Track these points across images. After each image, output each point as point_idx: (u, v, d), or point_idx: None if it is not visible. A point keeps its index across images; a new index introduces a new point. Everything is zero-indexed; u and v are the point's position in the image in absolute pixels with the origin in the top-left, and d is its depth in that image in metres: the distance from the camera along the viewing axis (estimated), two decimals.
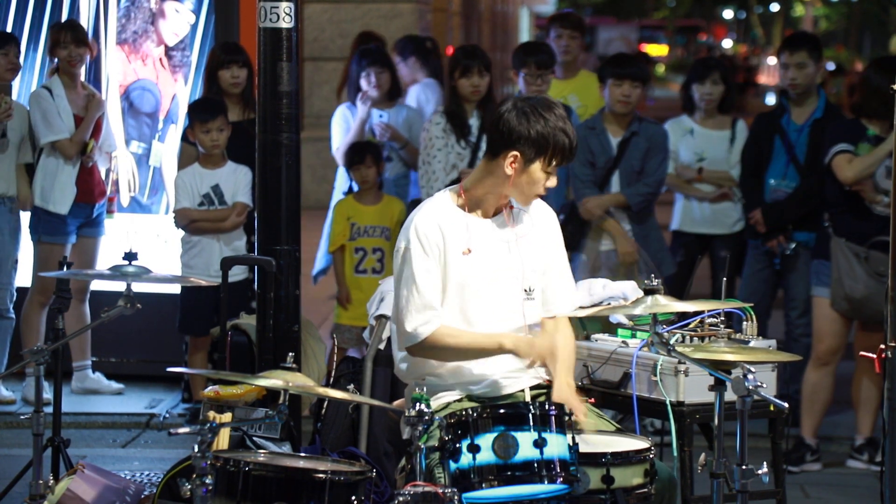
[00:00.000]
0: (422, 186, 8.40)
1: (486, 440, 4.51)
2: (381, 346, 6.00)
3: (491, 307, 5.03)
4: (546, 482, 4.51)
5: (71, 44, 8.48)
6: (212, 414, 5.49)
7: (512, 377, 5.08)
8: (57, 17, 9.10)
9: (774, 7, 62.63)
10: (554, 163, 4.95)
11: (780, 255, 8.44)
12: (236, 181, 8.23)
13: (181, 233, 8.41)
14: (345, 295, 8.53)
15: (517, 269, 5.05)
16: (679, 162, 8.82)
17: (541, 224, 5.15)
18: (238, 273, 7.80)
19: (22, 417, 8.15)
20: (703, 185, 8.83)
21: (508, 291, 5.04)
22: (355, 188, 8.63)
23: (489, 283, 5.02)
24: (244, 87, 8.44)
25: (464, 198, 5.06)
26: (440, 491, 4.29)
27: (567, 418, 4.60)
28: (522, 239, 5.07)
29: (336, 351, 7.27)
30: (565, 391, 4.97)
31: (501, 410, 4.59)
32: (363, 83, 8.89)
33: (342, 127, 8.99)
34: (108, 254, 8.73)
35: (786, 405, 4.90)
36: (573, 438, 4.57)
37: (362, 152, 8.61)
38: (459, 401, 5.03)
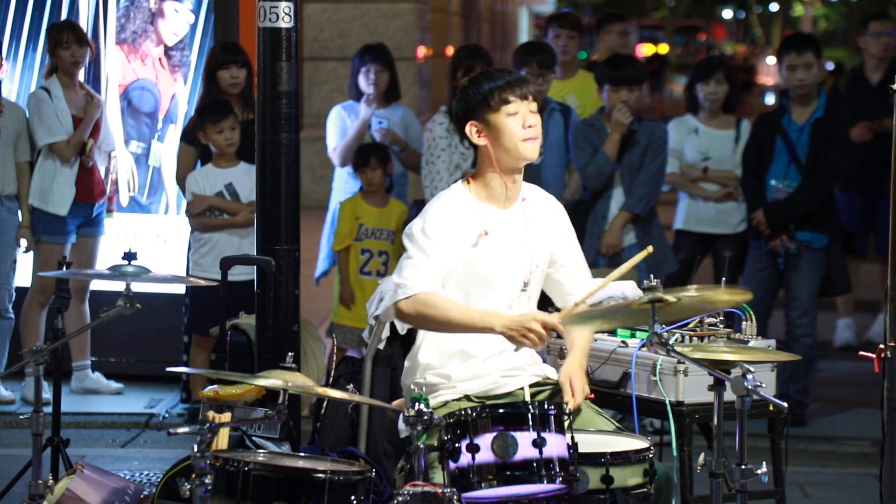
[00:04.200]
0: (425, 187, 8.39)
1: (485, 440, 4.51)
2: (381, 346, 5.99)
3: (491, 294, 5.03)
4: (545, 482, 4.51)
5: (73, 43, 8.47)
6: (211, 414, 5.49)
7: (511, 375, 5.09)
8: (56, 17, 9.10)
9: (774, 7, 62.64)
10: (503, 101, 4.95)
11: (783, 255, 8.44)
12: (251, 180, 8.19)
13: (184, 232, 8.40)
14: (349, 295, 8.52)
15: (523, 262, 5.06)
16: (684, 161, 8.83)
17: (546, 220, 5.15)
18: (248, 272, 7.77)
19: (21, 417, 8.15)
20: (707, 184, 8.83)
21: (510, 282, 5.06)
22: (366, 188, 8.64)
23: (495, 271, 5.02)
24: (243, 87, 8.44)
25: (473, 187, 5.08)
26: (439, 491, 4.29)
27: (567, 417, 4.60)
28: (533, 226, 5.08)
29: (335, 351, 7.27)
30: (574, 370, 5.00)
31: (500, 410, 4.59)
32: (361, 80, 8.89)
33: (338, 127, 8.98)
34: (107, 254, 8.73)
35: (785, 405, 4.90)
36: (572, 438, 4.57)
37: (367, 155, 8.60)
38: (458, 400, 5.04)
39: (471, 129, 5.02)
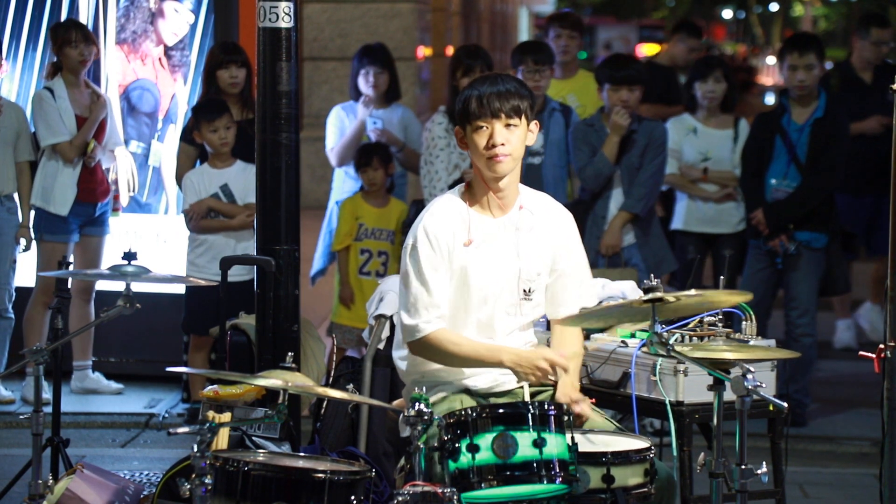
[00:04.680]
0: (424, 187, 8.39)
1: (485, 440, 4.51)
2: (381, 346, 6.00)
3: (489, 303, 5.03)
4: (545, 482, 4.51)
5: (82, 42, 8.46)
6: (211, 414, 5.49)
7: (511, 373, 5.08)
8: (56, 17, 9.09)
9: (774, 7, 62.62)
10: (473, 115, 4.93)
11: (782, 255, 8.44)
12: (247, 180, 8.19)
13: (184, 232, 8.40)
14: (348, 295, 8.52)
15: (515, 271, 5.05)
16: (683, 161, 8.82)
17: (549, 226, 5.12)
18: (243, 273, 7.79)
19: (21, 417, 8.09)
20: (707, 185, 8.83)
21: (507, 290, 5.05)
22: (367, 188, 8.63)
23: (488, 278, 5.02)
24: (243, 87, 8.44)
25: (467, 194, 5.08)
26: (439, 490, 4.29)
27: (567, 418, 4.60)
28: (528, 235, 5.06)
29: (335, 351, 7.27)
30: (569, 390, 4.99)
31: (501, 410, 4.59)
32: (361, 82, 8.88)
33: (337, 127, 8.98)
34: (108, 254, 8.73)
35: (785, 405, 4.89)
36: (572, 438, 4.57)
37: (369, 154, 8.59)
38: (458, 393, 5.04)
39: (457, 135, 5.06)
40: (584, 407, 5.00)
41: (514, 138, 4.95)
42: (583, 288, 5.19)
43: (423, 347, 5.00)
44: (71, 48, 8.46)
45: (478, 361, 5.00)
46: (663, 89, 10.09)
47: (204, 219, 8.24)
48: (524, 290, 5.06)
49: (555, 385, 5.09)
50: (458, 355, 4.98)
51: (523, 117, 4.97)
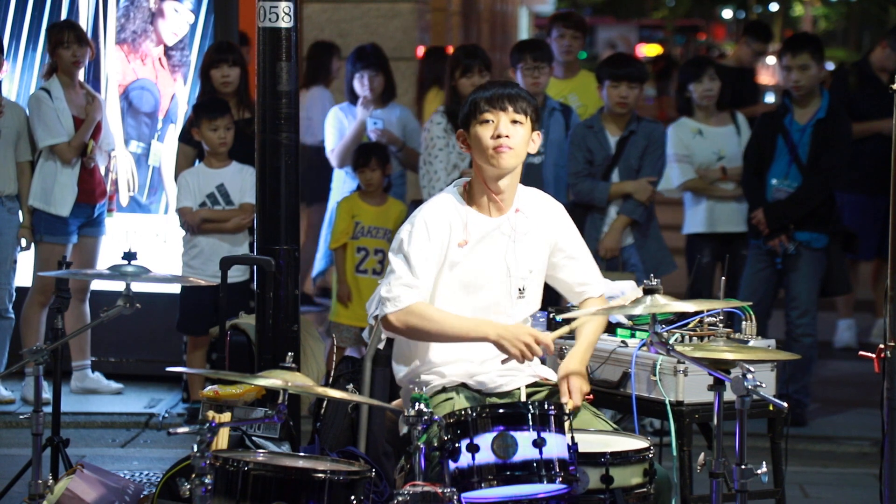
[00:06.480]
0: (423, 187, 8.40)
1: (485, 440, 4.51)
2: (381, 346, 5.99)
3: (484, 301, 5.04)
4: (545, 482, 4.51)
5: (74, 43, 8.46)
6: (211, 413, 5.49)
7: (508, 374, 5.09)
8: (56, 17, 9.10)
9: (774, 7, 62.64)
10: (480, 110, 4.98)
11: (781, 255, 8.43)
12: (243, 181, 8.20)
13: (181, 232, 8.40)
14: (346, 293, 8.53)
15: (512, 268, 5.05)
16: (698, 165, 8.78)
17: (543, 226, 5.13)
18: (237, 274, 7.80)
19: (21, 417, 8.14)
20: (726, 183, 8.81)
21: (501, 288, 5.05)
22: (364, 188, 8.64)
23: (483, 278, 5.03)
24: (237, 86, 8.43)
25: (466, 194, 5.09)
26: (439, 490, 4.29)
27: (567, 417, 4.60)
28: (522, 239, 5.07)
29: (335, 350, 7.27)
30: (573, 367, 5.01)
31: (500, 410, 4.59)
32: (356, 84, 8.89)
33: (336, 128, 8.99)
34: (107, 254, 8.73)
35: (785, 405, 4.89)
36: (572, 438, 4.57)
37: (367, 155, 8.60)
38: (455, 387, 5.04)
39: (459, 137, 5.09)
40: (576, 395, 4.98)
41: (518, 134, 4.98)
42: (593, 265, 5.27)
43: (402, 321, 4.95)
44: (64, 49, 8.46)
45: (461, 335, 4.97)
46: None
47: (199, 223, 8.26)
48: (518, 289, 5.07)
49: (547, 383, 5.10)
50: (440, 327, 4.95)
51: (528, 118, 4.99)
